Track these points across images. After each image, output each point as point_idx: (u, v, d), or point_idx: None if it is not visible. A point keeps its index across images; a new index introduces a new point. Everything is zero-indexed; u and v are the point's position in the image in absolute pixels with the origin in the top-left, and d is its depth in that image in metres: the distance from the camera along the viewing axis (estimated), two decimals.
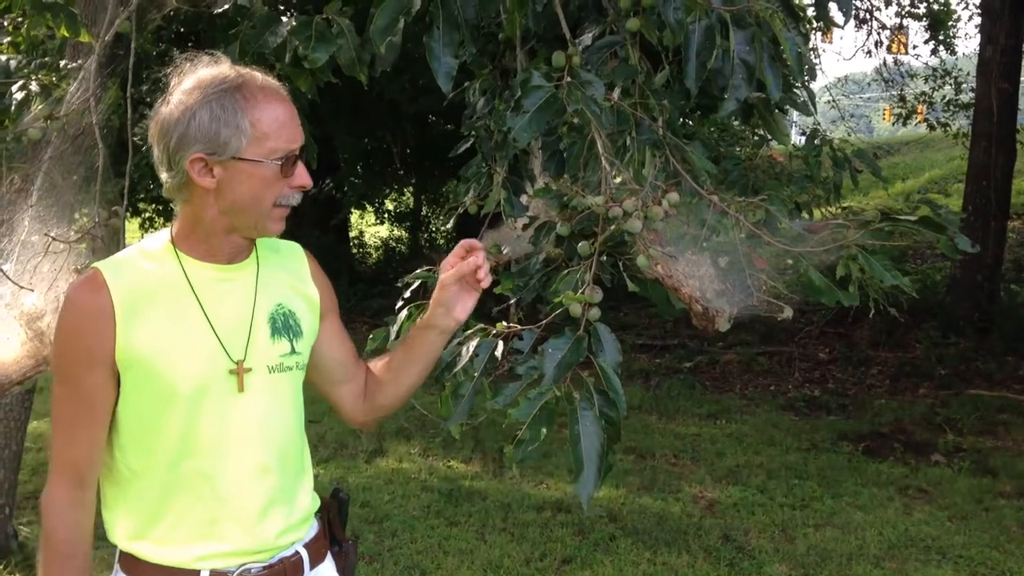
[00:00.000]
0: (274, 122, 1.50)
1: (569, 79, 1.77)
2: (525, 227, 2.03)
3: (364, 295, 10.88)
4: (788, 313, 1.81)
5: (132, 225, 13.45)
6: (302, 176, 1.54)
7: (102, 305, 1.47)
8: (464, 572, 4.15)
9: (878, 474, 5.64)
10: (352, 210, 13.07)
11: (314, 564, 1.65)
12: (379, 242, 14.99)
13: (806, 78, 2.71)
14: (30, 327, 1.86)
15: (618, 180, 1.82)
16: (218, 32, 6.08)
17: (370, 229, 15.80)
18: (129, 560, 1.55)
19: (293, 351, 1.62)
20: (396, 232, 14.93)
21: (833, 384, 7.96)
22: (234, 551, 1.54)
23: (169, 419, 1.51)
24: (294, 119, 1.54)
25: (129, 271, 1.53)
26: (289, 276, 1.68)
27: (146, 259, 1.56)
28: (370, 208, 13.99)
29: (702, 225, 1.84)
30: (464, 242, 1.71)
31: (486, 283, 1.70)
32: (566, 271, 1.82)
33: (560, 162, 2.29)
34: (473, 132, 2.41)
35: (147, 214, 12.84)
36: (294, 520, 1.61)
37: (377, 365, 1.79)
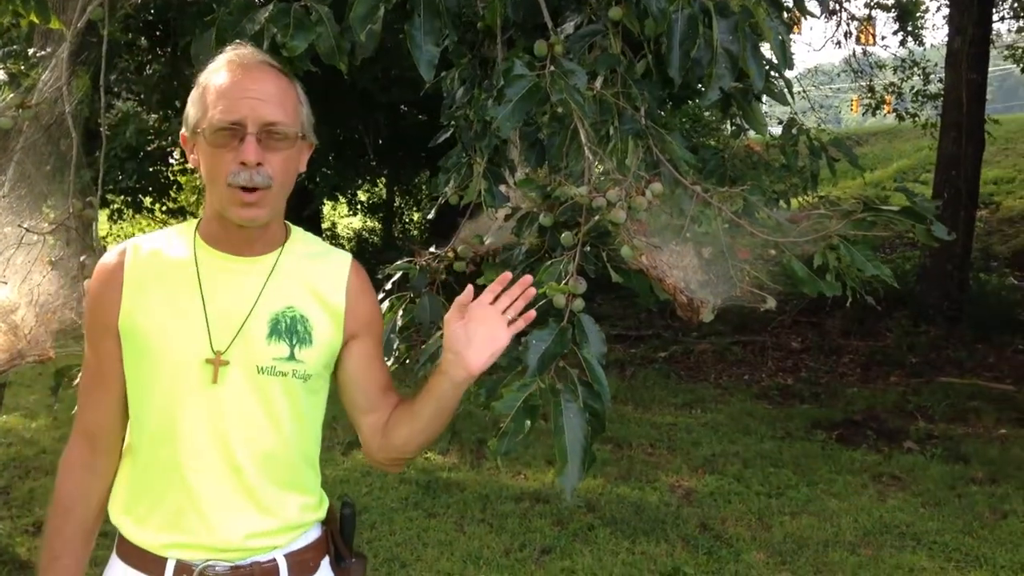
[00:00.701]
0: (216, 92, 1.48)
1: (552, 68, 1.76)
2: (507, 218, 2.01)
3: None
4: (771, 303, 1.82)
5: (101, 216, 13.30)
6: (242, 151, 1.45)
7: (115, 276, 1.54)
8: (444, 564, 4.14)
9: (852, 461, 5.70)
10: (324, 201, 12.98)
11: (298, 575, 1.58)
12: (352, 233, 14.91)
13: (786, 68, 2.71)
14: (4, 320, 1.82)
15: (600, 170, 1.81)
16: (189, 20, 5.98)
17: (343, 220, 15.71)
18: (119, 535, 1.57)
19: (292, 357, 1.54)
20: (369, 223, 14.86)
21: (806, 373, 8.03)
22: (199, 545, 1.51)
23: (152, 399, 1.52)
24: (240, 90, 1.47)
25: (148, 248, 1.56)
26: (315, 282, 1.59)
27: (170, 240, 1.59)
28: (343, 199, 13.90)
29: (685, 215, 1.84)
30: (491, 288, 1.55)
31: (512, 329, 1.54)
32: (549, 262, 1.80)
33: (540, 152, 2.28)
34: (452, 122, 2.39)
35: (115, 205, 12.67)
36: (269, 527, 1.55)
37: (403, 403, 1.65)
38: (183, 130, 1.55)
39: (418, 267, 2.07)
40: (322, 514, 1.65)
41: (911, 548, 4.38)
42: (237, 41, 1.57)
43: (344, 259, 1.66)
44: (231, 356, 1.51)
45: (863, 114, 13.17)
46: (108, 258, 1.58)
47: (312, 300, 1.58)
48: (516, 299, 1.55)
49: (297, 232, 1.65)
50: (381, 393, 1.66)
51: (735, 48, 1.81)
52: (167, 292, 1.52)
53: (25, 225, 1.84)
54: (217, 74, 1.50)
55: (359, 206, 14.41)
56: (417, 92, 2.42)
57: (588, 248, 1.80)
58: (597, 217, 1.74)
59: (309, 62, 1.85)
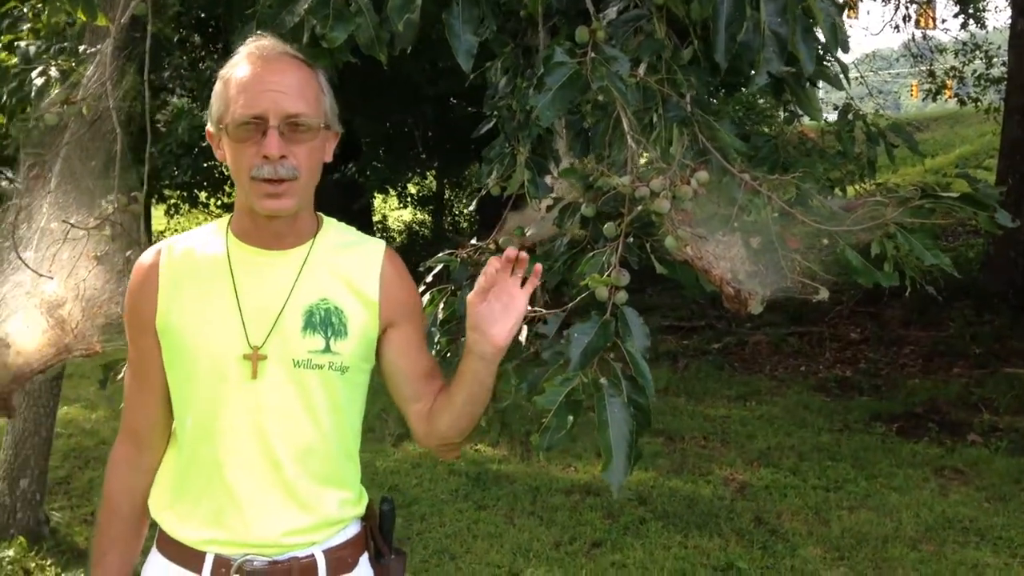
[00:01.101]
0: (237, 86, 1.47)
1: (593, 55, 1.71)
2: (549, 208, 1.97)
3: None
4: (824, 294, 1.75)
5: (158, 212, 13.54)
6: (265, 145, 1.44)
7: (151, 275, 1.56)
8: (493, 556, 4.13)
9: (913, 455, 5.56)
10: (375, 194, 13.06)
11: (336, 571, 1.56)
12: (402, 226, 14.98)
13: (839, 50, 2.62)
14: (51, 315, 1.83)
15: (644, 159, 1.76)
16: (235, 14, 6.02)
17: (393, 213, 15.79)
18: (159, 530, 1.59)
19: (328, 349, 1.53)
20: (419, 216, 14.92)
21: (865, 364, 7.85)
22: (237, 542, 1.51)
23: (193, 397, 1.53)
24: (261, 83, 1.46)
25: (182, 247, 1.58)
26: (348, 272, 1.57)
27: (203, 237, 1.59)
28: (393, 192, 13.97)
29: (733, 204, 1.78)
30: (494, 259, 1.50)
31: (525, 291, 1.49)
32: (592, 253, 1.76)
33: (585, 142, 2.24)
34: (495, 112, 2.36)
35: (172, 200, 12.91)
36: (307, 524, 1.54)
37: (445, 389, 1.62)
38: (208, 126, 1.55)
39: (459, 259, 2.05)
40: (361, 510, 1.64)
41: (974, 544, 4.25)
42: (258, 32, 1.56)
43: (378, 247, 1.63)
44: (267, 351, 1.50)
45: (923, 99, 12.84)
46: (144, 259, 1.59)
47: (346, 290, 1.56)
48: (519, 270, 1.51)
49: (329, 223, 1.63)
50: (424, 380, 1.63)
51: (784, 31, 1.75)
52: (201, 290, 1.53)
53: (72, 221, 1.86)
54: (238, 68, 1.50)
55: (409, 199, 14.47)
56: (464, 83, 2.39)
57: (631, 239, 1.75)
58: (640, 207, 1.70)
59: (350, 53, 1.83)
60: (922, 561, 4.07)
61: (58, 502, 4.67)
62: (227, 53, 1.56)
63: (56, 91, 2.31)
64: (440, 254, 2.06)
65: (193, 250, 1.57)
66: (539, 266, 1.52)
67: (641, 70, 1.85)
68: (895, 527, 4.46)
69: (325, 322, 1.53)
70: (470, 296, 1.49)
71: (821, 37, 2.23)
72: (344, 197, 11.52)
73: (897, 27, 11.82)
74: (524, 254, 1.48)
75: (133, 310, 1.58)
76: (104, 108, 1.89)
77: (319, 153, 1.53)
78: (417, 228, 14.62)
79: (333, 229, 1.62)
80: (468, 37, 1.77)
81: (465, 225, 13.51)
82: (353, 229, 1.67)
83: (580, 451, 5.45)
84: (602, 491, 4.87)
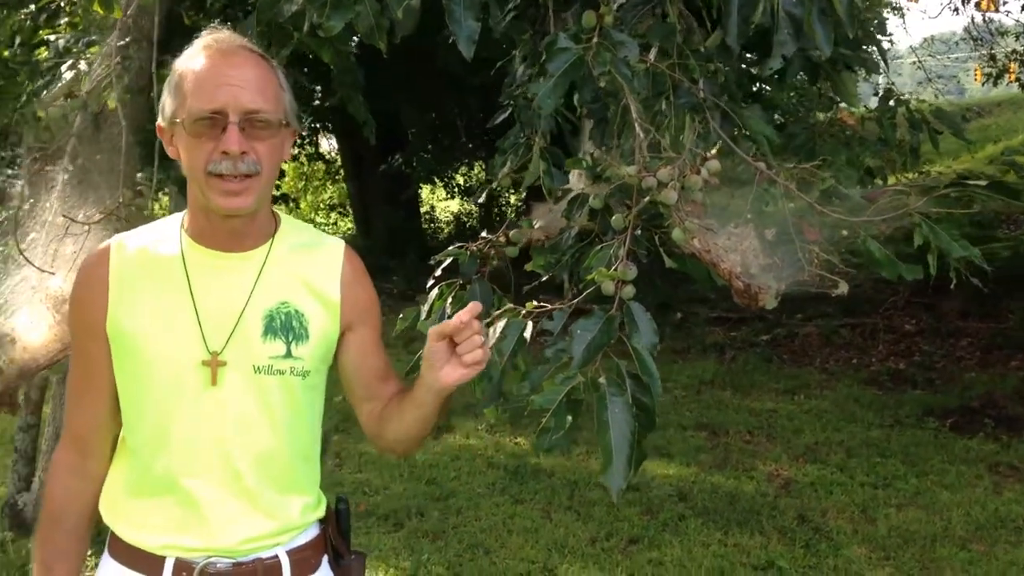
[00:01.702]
0: (194, 80, 1.42)
1: (598, 40, 1.65)
2: (557, 200, 1.91)
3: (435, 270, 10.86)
4: (843, 288, 1.67)
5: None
6: (225, 140, 1.39)
7: (100, 276, 1.48)
8: (528, 551, 4.08)
9: (966, 451, 5.37)
10: (422, 185, 13.07)
11: (300, 572, 1.53)
12: (450, 217, 14.98)
13: (876, 34, 2.51)
14: (58, 310, 1.83)
15: (646, 146, 1.68)
16: (236, 3, 6.02)
17: (441, 204, 15.80)
18: (111, 535, 1.53)
19: (288, 354, 1.48)
20: (467, 206, 14.90)
21: (920, 357, 7.61)
22: (200, 547, 1.47)
23: (146, 404, 1.47)
24: (220, 77, 1.40)
25: (133, 246, 1.51)
26: (308, 274, 1.53)
27: (155, 236, 1.53)
28: (439, 183, 13.97)
29: (747, 194, 1.71)
30: (473, 304, 1.45)
31: (476, 361, 1.43)
32: (599, 247, 1.70)
33: (605, 130, 2.17)
34: (511, 101, 2.30)
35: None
36: (271, 530, 1.50)
37: (397, 396, 1.60)
38: (159, 120, 1.48)
39: (469, 253, 2.00)
40: (321, 512, 1.60)
41: None
42: (213, 24, 1.51)
43: (336, 247, 1.59)
44: (227, 357, 1.46)
45: (984, 84, 12.42)
46: (91, 257, 1.53)
47: (306, 293, 1.52)
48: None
49: (286, 222, 1.58)
50: (379, 382, 1.61)
51: (799, 11, 1.66)
52: (155, 292, 1.47)
53: (79, 215, 1.85)
54: (194, 60, 1.44)
55: (456, 189, 14.46)
56: (506, 75, 2.34)
57: (640, 231, 1.69)
58: (648, 198, 1.63)
59: (350, 42, 1.79)
60: (972, 561, 3.93)
61: None
62: None
63: (84, 84, 2.32)
64: (449, 247, 2.01)
65: (146, 250, 1.50)
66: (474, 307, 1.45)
67: (652, 55, 1.78)
68: (944, 526, 4.31)
69: (286, 326, 1.49)
70: (432, 329, 1.46)
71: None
72: (391, 188, 11.56)
73: (956, 9, 11.40)
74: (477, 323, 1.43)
75: (79, 313, 1.51)
76: (112, 102, 1.87)
77: (278, 151, 1.48)
78: (465, 219, 14.60)
79: (291, 229, 1.57)
80: (469, 23, 1.72)
81: (513, 215, 13.46)
82: (311, 227, 1.63)
83: None
84: (641, 486, 4.79)
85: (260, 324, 1.48)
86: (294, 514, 1.53)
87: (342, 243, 1.61)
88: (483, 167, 14.06)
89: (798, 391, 6.77)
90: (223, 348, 1.45)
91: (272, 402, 1.48)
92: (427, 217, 14.49)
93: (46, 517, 1.57)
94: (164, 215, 1.63)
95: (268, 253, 1.51)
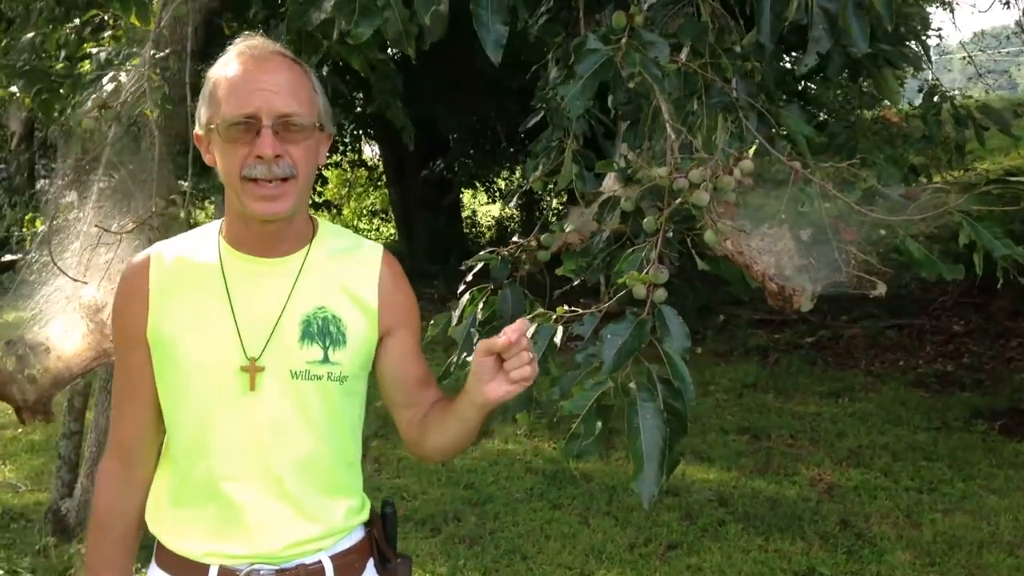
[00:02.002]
0: (227, 86, 1.43)
1: (628, 40, 1.63)
2: (588, 203, 1.89)
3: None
4: (881, 289, 1.63)
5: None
6: (259, 144, 1.39)
7: (140, 285, 1.50)
8: (565, 557, 4.06)
9: (1016, 455, 5.24)
10: (463, 190, 13.09)
11: None
12: (492, 221, 14.99)
13: (919, 28, 2.45)
14: (92, 319, 1.85)
15: (677, 146, 1.66)
16: (277, 14, 6.09)
17: (482, 208, 15.82)
18: (157, 544, 1.55)
19: (326, 359, 1.48)
20: (508, 211, 14.90)
21: (968, 358, 7.45)
22: (242, 554, 1.47)
23: (185, 410, 1.49)
24: (253, 82, 1.41)
25: (171, 254, 1.53)
26: (345, 279, 1.53)
27: (193, 244, 1.54)
28: (481, 187, 13.98)
29: (783, 194, 1.67)
30: (521, 321, 1.43)
31: (525, 378, 1.41)
32: (631, 250, 1.68)
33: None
34: (543, 104, 2.28)
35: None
36: (315, 534, 1.50)
37: (439, 403, 1.59)
38: (196, 128, 1.50)
39: (500, 257, 1.98)
40: (365, 516, 1.60)
41: None
42: (247, 32, 1.52)
43: (375, 251, 1.58)
44: (265, 362, 1.46)
45: None
46: (132, 266, 1.55)
47: (344, 298, 1.51)
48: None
49: (325, 226, 1.58)
50: (418, 388, 1.60)
51: (833, 7, 1.62)
52: (194, 299, 1.48)
53: (112, 224, 1.87)
54: (227, 67, 1.45)
55: (497, 193, 14.47)
56: (526, 75, 2.32)
57: (671, 233, 1.66)
58: (679, 200, 1.60)
59: (378, 49, 1.79)
60: (1019, 568, 3.83)
61: None
62: None
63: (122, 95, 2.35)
64: (481, 252, 2.00)
65: (184, 257, 1.52)
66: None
67: (683, 55, 1.75)
68: (992, 532, 4.21)
69: (323, 331, 1.48)
70: (480, 344, 1.44)
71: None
72: (433, 193, 11.59)
73: (1007, 3, 11.16)
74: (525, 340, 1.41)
75: (121, 322, 1.53)
76: (142, 112, 1.89)
77: (314, 154, 1.48)
78: (507, 223, 14.60)
79: (329, 233, 1.57)
80: (497, 27, 1.70)
81: (554, 219, 13.44)
82: (349, 232, 1.63)
83: None
84: (681, 491, 4.75)
85: (297, 329, 1.48)
86: (338, 518, 1.53)
87: (380, 247, 1.60)
88: (523, 171, 14.06)
89: (842, 394, 6.66)
90: (261, 353, 1.46)
91: (310, 407, 1.49)
92: (469, 222, 14.52)
93: (94, 526, 1.58)
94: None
95: (305, 258, 1.52)
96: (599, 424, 1.47)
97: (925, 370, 7.22)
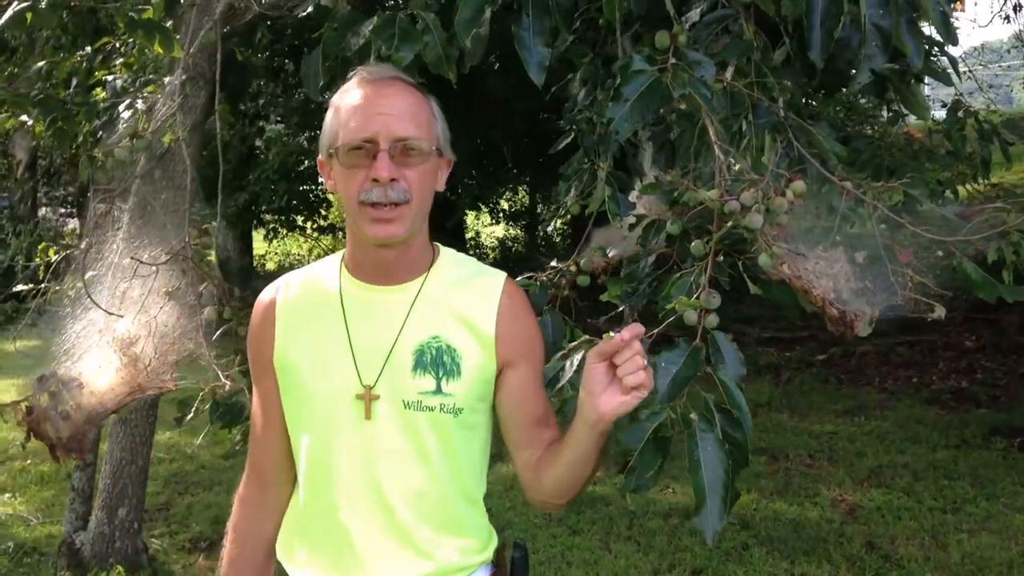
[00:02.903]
0: (347, 111, 1.44)
1: (674, 61, 1.59)
2: (631, 227, 1.85)
3: None
4: (940, 312, 1.59)
5: (257, 236, 13.88)
6: (375, 168, 1.39)
7: (269, 314, 1.54)
8: None
9: None
10: (467, 211, 13.08)
11: None
12: (495, 242, 14.97)
13: (945, 44, 2.42)
14: (124, 353, 1.80)
15: (737, 168, 1.62)
16: (283, 39, 6.07)
17: (486, 230, 15.80)
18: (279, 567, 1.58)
19: (438, 390, 1.44)
20: (512, 231, 14.89)
21: (982, 374, 7.40)
22: None
23: (309, 437, 1.49)
24: (372, 107, 1.41)
25: (297, 282, 1.56)
26: (463, 307, 1.49)
27: (318, 272, 1.56)
28: (485, 208, 13.96)
29: (834, 216, 1.63)
30: (635, 325, 1.33)
31: (640, 387, 1.31)
32: (679, 274, 1.64)
33: (671, 153, 2.11)
34: (574, 126, 2.25)
35: (271, 225, 13.18)
36: (426, 571, 1.46)
37: (556, 442, 1.51)
38: (320, 155, 1.51)
39: (539, 283, 1.94)
40: (488, 555, 1.54)
41: None
42: (370, 60, 1.51)
43: (496, 280, 1.53)
44: (380, 390, 1.44)
45: None
46: (263, 297, 1.58)
47: (460, 328, 1.47)
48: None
49: (446, 255, 1.55)
50: (535, 427, 1.53)
51: (887, 23, 1.59)
52: (316, 327, 1.49)
53: (144, 255, 1.82)
54: (349, 94, 1.46)
55: (501, 214, 14.46)
56: (556, 99, 2.29)
57: (722, 257, 1.62)
58: (730, 223, 1.56)
59: (417, 73, 1.75)
60: None
61: (157, 528, 4.73)
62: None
63: (143, 124, 2.31)
64: (519, 277, 1.96)
65: (308, 286, 1.54)
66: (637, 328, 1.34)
67: (728, 74, 1.72)
68: (1020, 551, 4.14)
69: (436, 361, 1.45)
70: (592, 350, 1.36)
71: (927, 30, 2.06)
72: (437, 215, 11.54)
73: (1007, 17, 11.19)
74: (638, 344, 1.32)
75: (254, 348, 1.57)
76: (174, 141, 1.85)
77: (431, 179, 1.46)
78: (510, 244, 14.58)
79: (450, 261, 1.54)
80: (540, 49, 1.67)
81: (558, 240, 13.40)
82: (473, 260, 1.59)
83: (678, 472, 5.24)
84: None
85: (411, 358, 1.45)
86: (452, 555, 1.48)
87: (503, 275, 1.55)
88: (527, 191, 14.05)
89: (858, 412, 6.60)
90: (376, 382, 1.44)
91: (423, 438, 1.45)
92: (472, 243, 14.49)
93: (231, 542, 1.62)
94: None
95: (422, 286, 1.49)
96: (659, 458, 1.42)
97: (939, 387, 7.17)
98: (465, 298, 1.50)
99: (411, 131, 1.41)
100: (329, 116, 1.48)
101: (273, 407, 1.54)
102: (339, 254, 1.57)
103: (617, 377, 1.32)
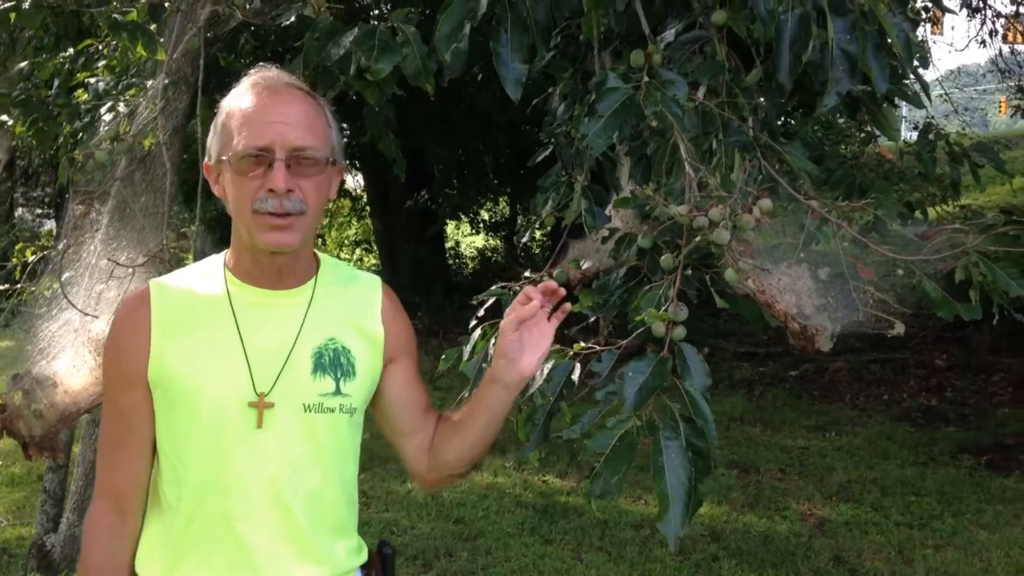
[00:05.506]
0: (241, 117, 1.40)
1: (648, 79, 1.63)
2: (604, 240, 1.89)
3: (460, 306, 10.82)
4: (900, 329, 1.63)
5: None
6: (271, 178, 1.36)
7: (140, 321, 1.44)
8: None
9: (1003, 490, 5.25)
10: (447, 221, 13.09)
11: None
12: (475, 252, 15.00)
13: (918, 66, 2.48)
14: (99, 353, 1.82)
15: (707, 184, 1.66)
16: (267, 44, 6.08)
17: (466, 239, 15.82)
18: None
19: (338, 391, 1.46)
20: (492, 242, 14.92)
21: (952, 392, 7.50)
22: None
23: (194, 448, 1.43)
24: (267, 115, 1.39)
25: (175, 288, 1.48)
26: (351, 310, 1.52)
27: (198, 277, 1.50)
28: (465, 218, 13.99)
29: (802, 233, 1.68)
30: (532, 291, 1.48)
31: (552, 324, 1.49)
32: (648, 287, 1.67)
33: (647, 168, 2.15)
34: (552, 139, 2.29)
35: None
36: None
37: (448, 417, 1.59)
38: (205, 159, 1.47)
39: (512, 293, 1.98)
40: (364, 557, 1.57)
41: None
42: (261, 64, 1.50)
43: (374, 283, 1.58)
44: (275, 397, 1.43)
45: (1011, 116, 12.36)
46: (129, 302, 1.50)
47: (351, 329, 1.51)
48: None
49: (326, 261, 1.57)
50: (423, 414, 1.59)
51: (854, 48, 1.64)
52: (201, 334, 1.43)
53: (116, 258, 1.84)
54: (241, 98, 1.42)
55: (481, 225, 14.48)
56: (537, 111, 2.32)
57: (690, 271, 1.66)
58: (699, 238, 1.60)
59: (396, 85, 1.79)
60: None
61: None
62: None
63: (124, 127, 2.33)
64: (493, 287, 1.99)
65: (188, 291, 1.47)
66: (567, 306, 1.50)
67: (700, 93, 1.76)
68: (984, 568, 4.21)
69: (335, 363, 1.47)
70: (504, 324, 1.47)
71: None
72: (417, 224, 11.58)
73: (984, 42, 11.35)
74: (561, 289, 1.46)
75: (118, 360, 1.46)
76: (155, 144, 1.87)
77: (325, 188, 1.46)
78: (489, 254, 14.60)
79: (330, 267, 1.56)
80: (516, 66, 1.71)
81: (537, 251, 13.45)
82: (345, 264, 1.63)
83: (650, 483, 5.28)
84: None
85: (309, 362, 1.46)
86: (341, 558, 1.50)
87: (378, 279, 1.60)
88: (508, 202, 14.09)
89: (829, 428, 6.67)
90: (271, 388, 1.43)
91: (321, 440, 1.46)
92: (452, 253, 14.50)
93: None
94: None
95: (313, 291, 1.50)
96: (624, 465, 1.46)
97: (909, 404, 7.26)
98: (351, 301, 1.53)
99: (307, 140, 1.40)
100: (219, 120, 1.45)
101: (137, 424, 1.45)
102: (215, 258, 1.53)
103: (531, 336, 1.47)
